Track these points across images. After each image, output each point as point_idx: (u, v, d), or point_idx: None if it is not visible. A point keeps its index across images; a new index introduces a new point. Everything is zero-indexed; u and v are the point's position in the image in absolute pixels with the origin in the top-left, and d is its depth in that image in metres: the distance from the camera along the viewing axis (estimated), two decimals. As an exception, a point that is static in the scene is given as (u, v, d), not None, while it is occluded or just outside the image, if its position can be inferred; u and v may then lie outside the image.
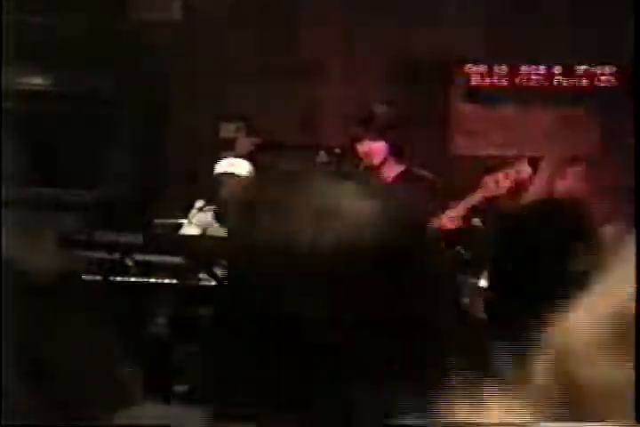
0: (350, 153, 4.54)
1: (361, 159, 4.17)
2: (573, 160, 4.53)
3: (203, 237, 4.69)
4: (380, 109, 4.26)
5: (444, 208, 3.98)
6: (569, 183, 4.25)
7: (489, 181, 3.94)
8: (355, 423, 0.87)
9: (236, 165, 4.68)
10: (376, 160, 4.15)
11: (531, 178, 3.93)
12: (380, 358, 0.89)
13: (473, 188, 4.02)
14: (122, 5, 6.73)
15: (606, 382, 0.52)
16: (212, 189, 4.74)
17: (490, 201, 3.93)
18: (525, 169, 3.91)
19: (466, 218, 3.99)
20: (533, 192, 3.89)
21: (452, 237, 3.92)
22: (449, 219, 3.97)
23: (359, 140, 4.17)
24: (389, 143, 4.15)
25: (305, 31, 6.70)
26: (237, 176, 4.60)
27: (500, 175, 3.92)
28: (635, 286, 0.47)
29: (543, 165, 4.16)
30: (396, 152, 4.19)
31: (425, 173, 4.26)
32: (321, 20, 6.68)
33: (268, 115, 6.65)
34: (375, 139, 4.11)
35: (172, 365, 4.04)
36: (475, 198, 3.99)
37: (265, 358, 0.92)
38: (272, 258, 0.91)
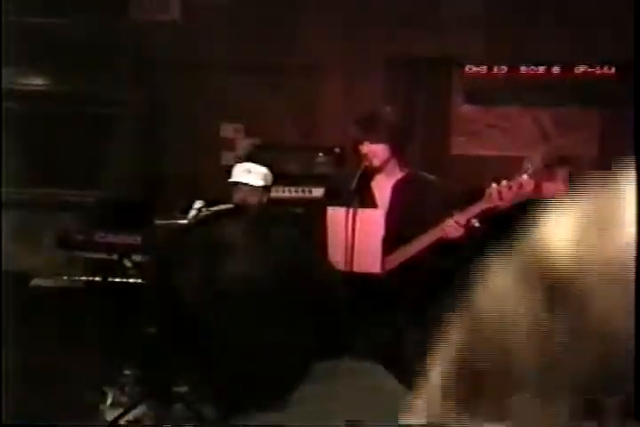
0: (351, 153, 4.51)
1: (362, 160, 4.11)
2: (561, 161, 4.43)
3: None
4: (382, 110, 4.21)
5: (447, 216, 3.92)
6: (557, 184, 4.19)
7: (493, 192, 3.84)
8: None
9: (252, 173, 4.60)
10: (377, 161, 4.10)
11: (534, 190, 3.83)
12: None
13: (475, 195, 3.94)
14: (122, 6, 6.72)
15: (509, 381, 0.50)
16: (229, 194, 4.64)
17: (492, 211, 3.86)
18: (529, 183, 3.80)
19: (467, 226, 3.93)
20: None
21: (454, 244, 3.87)
22: (453, 228, 3.90)
23: (361, 141, 4.10)
24: (391, 145, 4.09)
25: (305, 31, 6.69)
26: (251, 186, 4.55)
27: (504, 186, 3.82)
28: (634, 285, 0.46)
29: (529, 165, 4.08)
30: (398, 154, 4.13)
31: (428, 175, 4.22)
32: (321, 19, 6.67)
33: (267, 115, 6.64)
34: (377, 140, 4.05)
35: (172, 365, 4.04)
36: (477, 209, 3.92)
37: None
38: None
